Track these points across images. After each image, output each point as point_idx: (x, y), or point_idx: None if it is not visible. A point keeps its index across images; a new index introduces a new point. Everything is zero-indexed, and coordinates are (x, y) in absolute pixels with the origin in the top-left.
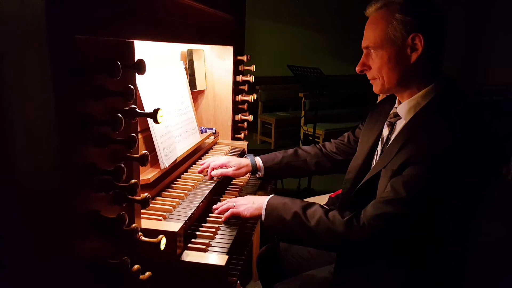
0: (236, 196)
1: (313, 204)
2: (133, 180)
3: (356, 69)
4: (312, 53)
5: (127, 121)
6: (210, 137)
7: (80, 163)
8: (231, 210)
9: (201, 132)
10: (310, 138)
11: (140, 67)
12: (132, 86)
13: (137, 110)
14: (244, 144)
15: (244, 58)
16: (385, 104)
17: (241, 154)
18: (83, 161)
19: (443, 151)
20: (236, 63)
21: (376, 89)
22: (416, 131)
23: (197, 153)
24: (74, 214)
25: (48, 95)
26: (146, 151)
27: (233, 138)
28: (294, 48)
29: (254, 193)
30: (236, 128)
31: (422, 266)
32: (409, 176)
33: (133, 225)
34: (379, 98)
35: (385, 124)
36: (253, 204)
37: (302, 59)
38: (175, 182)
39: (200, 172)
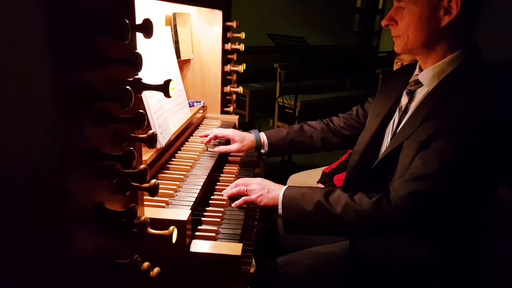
0: (235, 176)
1: (334, 190)
2: (142, 166)
3: (382, 22)
4: (288, 22)
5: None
6: (199, 111)
7: (80, 147)
8: (244, 198)
9: (189, 105)
10: (286, 110)
11: (147, 28)
12: (140, 53)
13: (144, 82)
14: (235, 118)
15: (234, 24)
16: (398, 75)
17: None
18: (84, 144)
19: (478, 121)
20: (225, 30)
21: (398, 48)
22: (443, 99)
23: (188, 129)
24: (74, 208)
25: (43, 61)
26: (154, 130)
27: (222, 112)
28: (270, 18)
29: (253, 171)
30: (224, 100)
31: (440, 238)
32: (441, 149)
33: (143, 217)
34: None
35: (404, 93)
36: (267, 193)
37: (277, 29)
38: (170, 162)
39: (202, 137)
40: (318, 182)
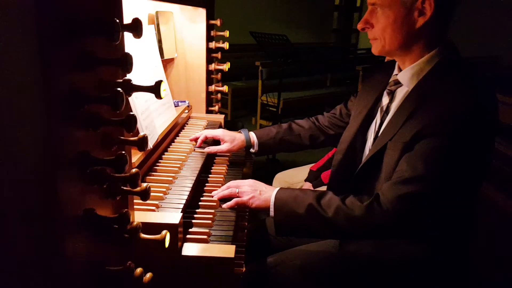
0: (224, 176)
1: (326, 192)
2: (133, 170)
3: (358, 26)
4: (268, 20)
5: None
6: (184, 111)
7: (71, 151)
8: (235, 200)
9: (174, 105)
10: (269, 108)
11: (137, 28)
12: (130, 53)
13: (134, 83)
14: (221, 118)
15: (218, 22)
16: (378, 73)
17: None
18: (74, 149)
19: (460, 119)
20: (208, 28)
21: (375, 50)
22: (423, 99)
23: (174, 129)
24: (65, 214)
25: (32, 62)
26: (144, 133)
27: (207, 111)
28: (250, 15)
29: (241, 170)
30: (209, 100)
31: (431, 237)
32: (425, 150)
33: (135, 223)
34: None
35: (385, 93)
36: (259, 195)
37: (257, 27)
38: (158, 164)
39: (192, 140)
40: (305, 180)
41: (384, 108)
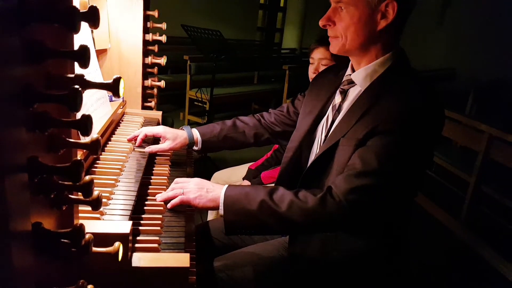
0: (167, 178)
1: (277, 188)
2: (87, 177)
3: (320, 23)
4: (193, 13)
5: None
6: (120, 107)
7: (20, 157)
8: (180, 197)
9: None
10: (196, 103)
11: (94, 17)
12: (88, 46)
13: (87, 79)
14: (158, 115)
15: (155, 13)
16: (328, 73)
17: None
18: (23, 154)
19: (410, 119)
20: (145, 19)
21: (334, 48)
22: (376, 99)
23: (110, 127)
24: (13, 230)
25: None
26: (98, 135)
27: (143, 107)
28: (176, 7)
29: (185, 170)
30: (145, 95)
31: (377, 231)
32: (378, 146)
33: (87, 235)
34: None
35: (338, 92)
36: (206, 193)
37: (183, 20)
38: (95, 166)
39: (130, 140)
40: (244, 178)
41: (337, 107)
